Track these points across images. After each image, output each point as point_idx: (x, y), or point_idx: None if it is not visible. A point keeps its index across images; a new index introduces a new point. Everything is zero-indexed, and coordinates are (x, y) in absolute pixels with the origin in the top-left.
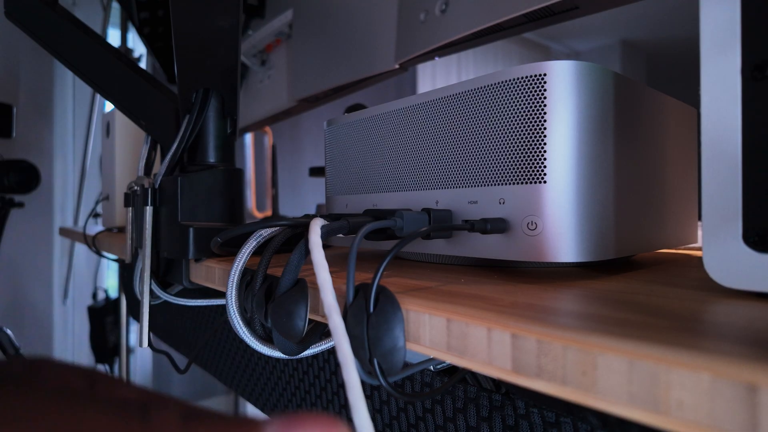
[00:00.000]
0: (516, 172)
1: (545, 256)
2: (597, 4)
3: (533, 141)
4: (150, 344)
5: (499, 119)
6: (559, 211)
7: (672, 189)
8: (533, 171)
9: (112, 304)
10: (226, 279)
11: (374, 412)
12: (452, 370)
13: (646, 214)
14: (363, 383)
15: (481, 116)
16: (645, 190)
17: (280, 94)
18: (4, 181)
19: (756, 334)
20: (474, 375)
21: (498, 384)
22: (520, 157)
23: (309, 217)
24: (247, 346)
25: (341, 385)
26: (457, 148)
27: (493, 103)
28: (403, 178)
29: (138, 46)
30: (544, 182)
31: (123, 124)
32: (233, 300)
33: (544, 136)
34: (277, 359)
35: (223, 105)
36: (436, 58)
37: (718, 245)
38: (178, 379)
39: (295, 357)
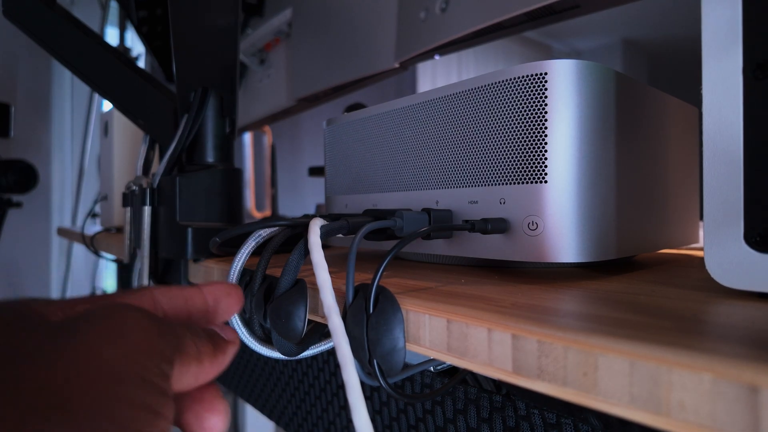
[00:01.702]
0: (517, 172)
1: (546, 257)
2: (598, 2)
3: (534, 140)
4: None
5: (499, 118)
6: (560, 211)
7: (673, 189)
8: (534, 171)
9: None
10: (224, 279)
11: (374, 414)
12: (452, 371)
13: (647, 214)
14: (363, 384)
15: (482, 116)
16: (646, 189)
17: (280, 93)
18: (1, 181)
19: (757, 335)
20: (474, 376)
21: (498, 385)
22: (520, 156)
23: (308, 217)
24: (246, 347)
25: (341, 386)
26: (457, 147)
27: (493, 102)
28: (403, 177)
29: (136, 45)
30: (545, 182)
31: (121, 124)
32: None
33: (545, 136)
34: (277, 360)
35: (222, 104)
36: (437, 57)
37: (719, 245)
38: None
39: (294, 358)
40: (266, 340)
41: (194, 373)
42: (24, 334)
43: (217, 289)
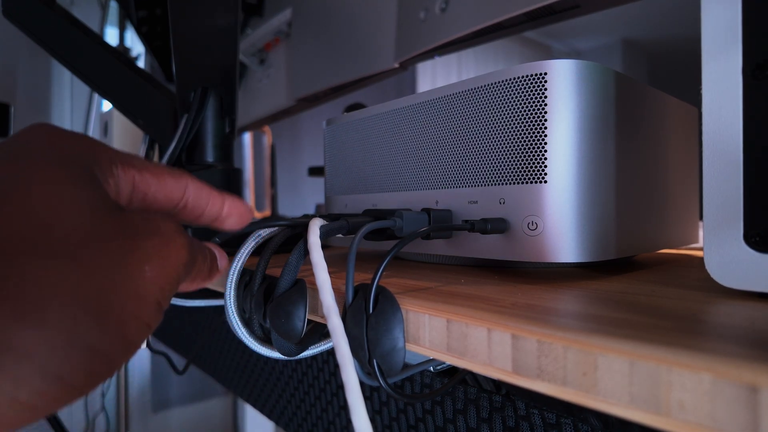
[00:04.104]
0: (516, 172)
1: (546, 257)
2: (598, 2)
3: (534, 140)
4: (148, 345)
5: (499, 118)
6: (560, 211)
7: (673, 189)
8: (534, 171)
9: None
10: (224, 279)
11: (373, 414)
12: (452, 371)
13: (647, 214)
14: (362, 384)
15: (482, 116)
16: (646, 189)
17: (279, 93)
18: None
19: (757, 335)
20: (474, 376)
21: (498, 385)
22: (520, 156)
23: (308, 217)
24: (246, 347)
25: (341, 386)
26: (457, 147)
27: (493, 102)
28: (402, 177)
29: (136, 45)
30: (545, 182)
31: (121, 124)
32: (232, 300)
33: (545, 136)
34: (276, 360)
35: (222, 104)
36: (436, 57)
37: (719, 245)
38: (177, 380)
39: (294, 358)
40: (266, 340)
41: (182, 287)
42: (93, 214)
43: (235, 207)
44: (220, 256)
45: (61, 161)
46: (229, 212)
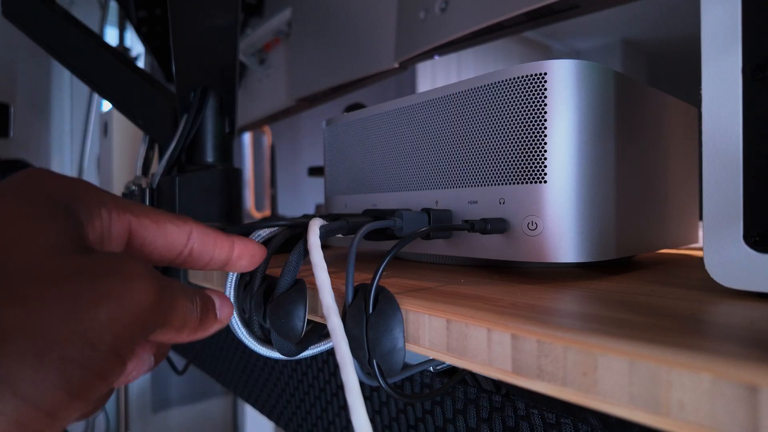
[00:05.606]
0: (516, 172)
1: (546, 257)
2: (598, 2)
3: (533, 140)
4: None
5: (499, 118)
6: (560, 211)
7: (673, 189)
8: (533, 171)
9: None
10: (224, 279)
11: (373, 414)
12: (452, 371)
13: (647, 214)
14: (362, 384)
15: (481, 116)
16: (646, 189)
17: (279, 93)
18: None
19: (757, 335)
20: (474, 376)
21: (498, 385)
22: (520, 156)
23: (308, 218)
24: (246, 347)
25: (340, 386)
26: (456, 147)
27: (493, 102)
28: (402, 177)
29: (136, 45)
30: (545, 182)
31: (121, 124)
32: (232, 300)
33: (545, 136)
34: (276, 360)
35: (222, 104)
36: (436, 57)
37: (718, 245)
38: (176, 380)
39: (293, 358)
40: (266, 340)
41: (167, 338)
42: (49, 254)
43: (246, 248)
44: (222, 303)
45: (35, 200)
46: (239, 255)
